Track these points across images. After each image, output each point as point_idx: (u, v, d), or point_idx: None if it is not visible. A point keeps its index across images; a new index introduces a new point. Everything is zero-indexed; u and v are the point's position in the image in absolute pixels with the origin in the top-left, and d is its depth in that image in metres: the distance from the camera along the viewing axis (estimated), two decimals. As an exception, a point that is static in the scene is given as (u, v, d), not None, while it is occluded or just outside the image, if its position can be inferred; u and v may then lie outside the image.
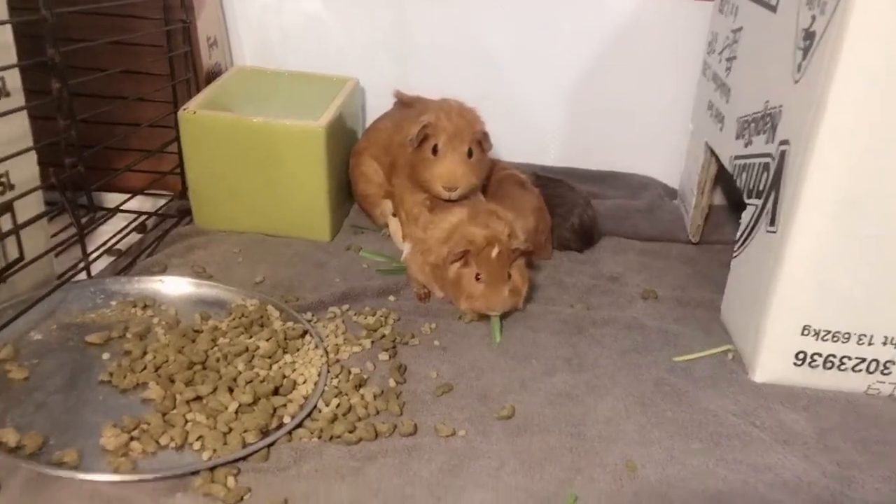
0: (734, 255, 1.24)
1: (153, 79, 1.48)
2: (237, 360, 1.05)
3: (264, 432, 0.95)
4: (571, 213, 1.50)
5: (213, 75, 1.59)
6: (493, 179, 1.47)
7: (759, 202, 1.14)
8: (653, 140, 1.73)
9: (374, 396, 1.04)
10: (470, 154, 1.32)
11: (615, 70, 1.67)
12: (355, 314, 1.24)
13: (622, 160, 1.75)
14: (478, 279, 1.19)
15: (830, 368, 1.11)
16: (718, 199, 1.66)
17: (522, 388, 1.09)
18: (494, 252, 1.18)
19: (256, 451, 0.91)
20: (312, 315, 1.22)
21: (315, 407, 1.01)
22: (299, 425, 0.98)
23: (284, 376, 1.04)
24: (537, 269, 1.41)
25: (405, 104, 1.51)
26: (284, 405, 0.99)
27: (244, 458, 0.91)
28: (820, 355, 1.10)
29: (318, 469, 0.91)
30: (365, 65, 1.66)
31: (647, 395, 1.09)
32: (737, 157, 1.26)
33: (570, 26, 1.63)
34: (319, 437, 0.96)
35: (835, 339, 1.09)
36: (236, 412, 0.97)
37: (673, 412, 1.05)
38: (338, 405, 1.01)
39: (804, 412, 1.08)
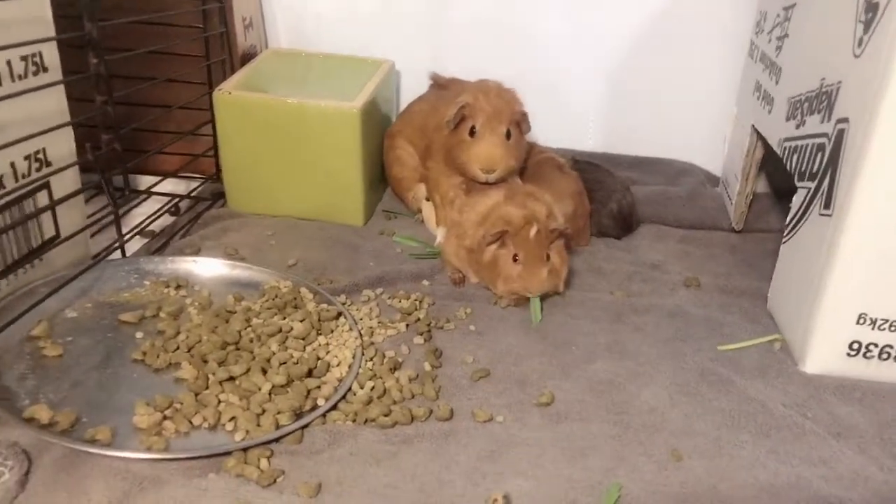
0: (783, 240, 1.18)
1: (189, 60, 1.46)
2: (270, 340, 1.02)
3: (298, 414, 0.92)
4: (610, 198, 1.45)
5: (248, 57, 1.57)
6: (530, 163, 1.42)
7: (813, 184, 1.08)
8: (695, 125, 1.67)
9: (410, 380, 1.00)
10: (508, 136, 1.28)
11: (657, 52, 1.61)
12: (389, 298, 1.21)
13: (663, 146, 1.69)
14: (515, 260, 1.15)
15: (886, 359, 1.05)
16: (762, 186, 1.60)
17: (562, 374, 1.05)
18: (533, 231, 1.14)
19: (290, 434, 0.89)
20: (346, 298, 1.19)
21: (349, 389, 0.98)
22: (334, 408, 0.94)
23: (318, 358, 1.01)
24: (575, 256, 1.36)
25: (441, 86, 1.47)
26: (318, 387, 0.96)
27: (277, 440, 0.88)
28: (876, 345, 1.04)
29: (352, 452, 0.88)
30: (400, 47, 1.62)
31: (691, 384, 1.04)
32: (787, 139, 1.20)
33: (612, 6, 1.58)
34: (354, 421, 0.93)
35: (892, 328, 1.03)
36: (269, 393, 0.94)
37: (719, 402, 1.00)
38: (372, 388, 0.98)
39: (858, 404, 1.02)
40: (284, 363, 0.98)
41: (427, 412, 0.95)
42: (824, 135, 1.05)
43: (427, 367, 1.04)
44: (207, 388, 0.94)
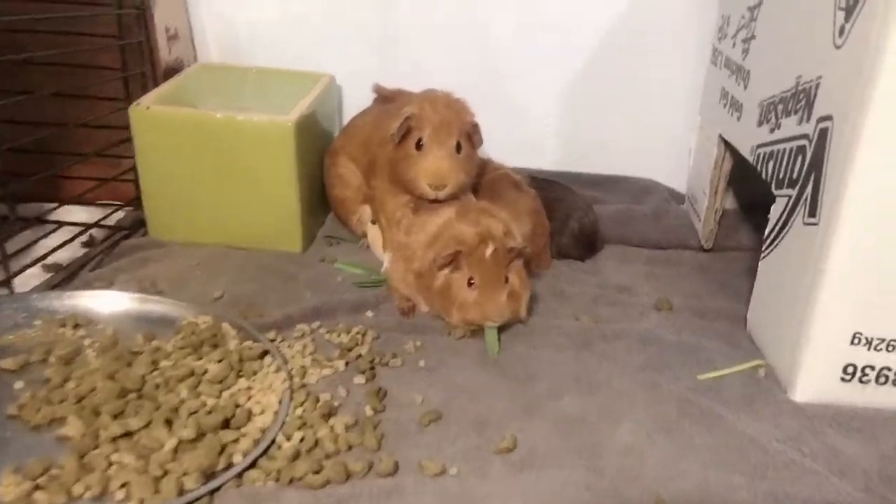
0: (762, 255, 1.07)
1: (103, 73, 1.31)
2: (180, 386, 0.86)
3: (209, 475, 0.76)
4: (570, 217, 1.33)
5: (172, 72, 1.42)
6: (484, 180, 1.29)
7: (794, 192, 0.97)
8: (657, 140, 1.57)
9: (347, 428, 0.85)
10: (458, 149, 1.15)
11: (615, 64, 1.51)
12: (327, 332, 1.05)
13: (624, 163, 1.59)
14: (471, 284, 1.01)
15: (884, 383, 0.93)
16: (730, 202, 1.50)
17: (525, 413, 0.90)
18: (489, 251, 1.00)
19: (195, 501, 0.72)
20: (277, 334, 1.04)
21: (273, 442, 0.82)
22: (253, 465, 0.78)
23: (237, 405, 0.85)
24: (535, 279, 1.22)
25: (385, 99, 1.34)
26: (236, 440, 0.80)
27: (180, 509, 0.72)
28: (872, 368, 0.93)
29: (273, 521, 0.72)
30: (342, 59, 1.49)
31: (671, 419, 0.90)
32: (760, 146, 1.09)
33: (568, 17, 1.47)
34: (277, 480, 0.77)
35: (890, 348, 0.91)
36: (175, 451, 0.77)
37: (703, 438, 0.87)
38: (301, 439, 0.82)
39: (858, 435, 0.90)
40: (195, 413, 0.82)
41: (366, 466, 0.79)
42: (804, 136, 0.95)
43: (368, 411, 0.89)
44: (97, 447, 0.77)
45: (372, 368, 0.97)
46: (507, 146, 1.46)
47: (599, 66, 1.52)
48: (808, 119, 0.94)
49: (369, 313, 1.12)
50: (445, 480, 0.79)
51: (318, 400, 0.89)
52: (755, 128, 1.12)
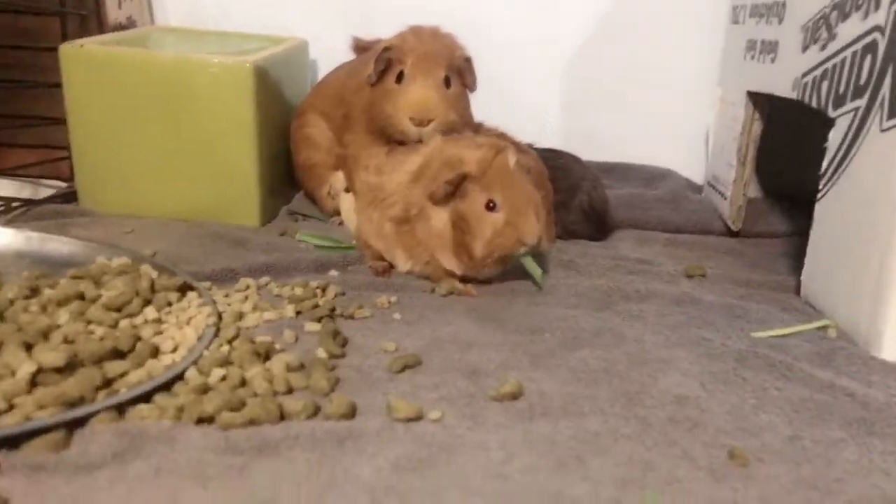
0: (819, 197, 0.86)
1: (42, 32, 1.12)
2: (61, 311, 0.62)
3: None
4: (578, 188, 1.11)
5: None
6: (476, 139, 1.09)
7: (862, 101, 0.77)
8: (670, 125, 1.39)
9: (289, 368, 0.60)
10: (447, 83, 0.95)
11: (621, 43, 1.35)
12: (279, 286, 0.82)
13: (633, 150, 1.40)
14: (491, 208, 0.79)
15: None
16: (754, 190, 1.31)
17: (532, 364, 0.66)
18: (511, 160, 0.80)
19: (38, 432, 0.47)
20: (213, 284, 0.80)
21: (182, 378, 0.57)
22: (146, 400, 0.54)
23: (138, 338, 0.61)
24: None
25: (363, 49, 1.15)
26: (125, 374, 0.56)
27: (13, 443, 0.46)
28: (982, 313, 0.70)
29: (159, 468, 0.46)
30: (319, 34, 1.31)
31: (730, 371, 0.66)
32: (807, 73, 0.91)
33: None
34: (178, 419, 0.52)
35: None
36: (31, 381, 0.53)
37: (782, 390, 0.63)
38: (224, 378, 0.58)
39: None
40: (71, 342, 0.58)
41: (311, 408, 0.54)
42: (873, 29, 0.76)
43: (322, 353, 0.64)
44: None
45: (330, 317, 0.73)
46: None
47: (603, 48, 1.35)
48: (877, 7, 0.75)
49: (334, 272, 0.89)
50: (424, 426, 0.54)
51: (253, 342, 0.65)
52: (798, 56, 0.93)
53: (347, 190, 1.09)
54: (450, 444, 0.51)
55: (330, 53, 1.25)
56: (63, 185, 1.18)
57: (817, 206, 0.86)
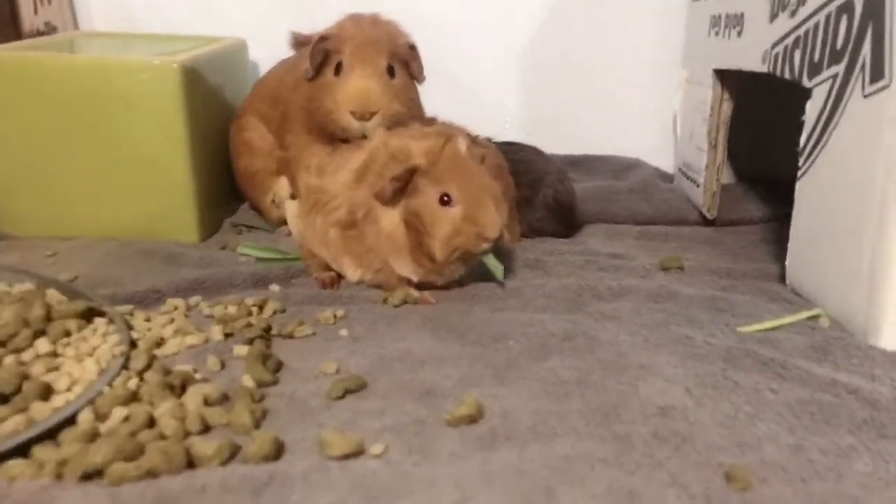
0: (799, 175, 0.79)
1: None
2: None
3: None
4: (542, 182, 1.03)
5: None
6: (429, 135, 1.01)
7: (840, 66, 0.70)
8: (635, 113, 1.31)
9: (207, 401, 0.51)
10: (391, 73, 0.87)
11: (581, 22, 1.27)
12: (210, 306, 0.73)
13: (599, 140, 1.32)
14: (445, 202, 0.71)
15: None
16: (727, 176, 1.23)
17: (495, 379, 0.58)
18: (462, 146, 0.71)
19: None
20: (135, 308, 0.70)
21: (72, 421, 0.48)
22: (23, 453, 0.44)
23: (25, 376, 0.51)
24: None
25: (303, 44, 1.06)
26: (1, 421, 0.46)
27: None
28: None
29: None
30: (258, 33, 1.22)
31: (718, 374, 0.58)
32: (777, 43, 0.84)
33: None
34: (59, 476, 0.42)
35: None
36: None
37: (778, 392, 0.55)
38: (126, 418, 0.48)
39: None
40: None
41: (226, 451, 0.45)
42: (848, -13, 0.69)
43: (248, 381, 0.55)
44: None
45: (263, 338, 0.64)
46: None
47: (562, 33, 1.27)
48: (850, -36, 0.68)
49: (274, 286, 0.79)
50: (364, 463, 0.45)
51: (167, 372, 0.55)
52: (766, 27, 0.87)
53: (293, 196, 1.00)
54: (393, 484, 0.42)
55: (272, 53, 1.15)
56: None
57: (798, 186, 0.79)
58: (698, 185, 1.11)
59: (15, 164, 0.94)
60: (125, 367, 0.55)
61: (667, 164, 1.32)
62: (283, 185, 1.01)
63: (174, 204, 0.96)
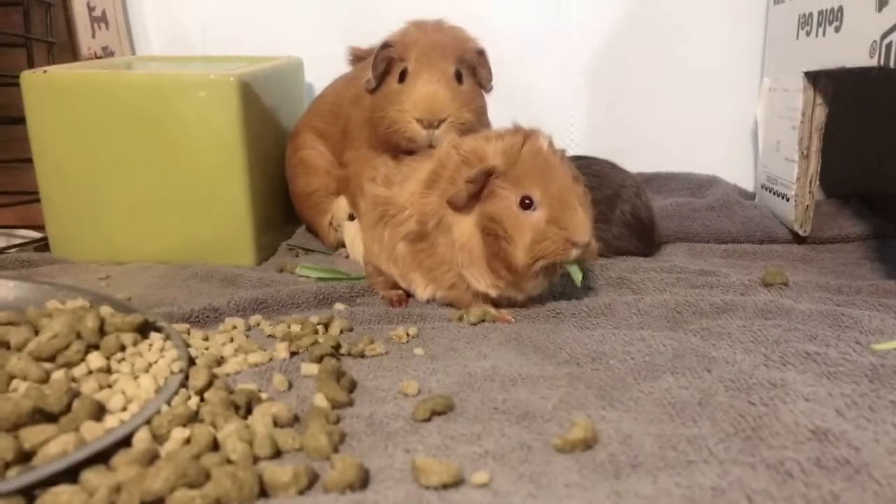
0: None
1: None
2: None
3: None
4: (619, 197, 0.96)
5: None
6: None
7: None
8: (711, 128, 1.24)
9: (276, 422, 0.44)
10: (459, 79, 0.81)
11: (651, 38, 1.21)
12: (272, 325, 0.67)
13: (671, 159, 1.25)
14: (527, 206, 0.64)
15: None
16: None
17: (602, 399, 0.50)
18: (544, 144, 0.65)
19: None
20: (191, 327, 0.65)
21: (127, 442, 0.41)
22: (72, 478, 0.38)
23: (76, 394, 0.45)
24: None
25: (361, 58, 1.02)
26: (45, 442, 0.40)
27: None
28: None
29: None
30: (314, 51, 1.19)
31: (869, 394, 0.49)
32: (889, 31, 0.76)
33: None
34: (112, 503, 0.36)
35: None
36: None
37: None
38: (187, 440, 0.42)
39: None
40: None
41: (304, 477, 0.38)
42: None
43: (321, 401, 0.48)
44: None
45: (333, 356, 0.57)
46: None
47: (631, 45, 1.21)
48: None
49: (339, 305, 0.73)
50: (466, 494, 0.37)
51: (230, 391, 0.49)
52: (873, 17, 0.79)
53: (352, 217, 0.95)
54: (507, 519, 0.35)
55: (328, 72, 1.11)
56: (36, 234, 1.05)
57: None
58: (788, 200, 1.02)
59: (68, 185, 0.91)
60: (184, 384, 0.48)
61: (745, 180, 1.23)
62: (341, 206, 0.96)
63: (230, 226, 0.92)
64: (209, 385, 0.48)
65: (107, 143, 0.89)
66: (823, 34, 0.91)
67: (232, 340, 0.61)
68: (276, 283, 0.81)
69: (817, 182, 0.99)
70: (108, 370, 0.48)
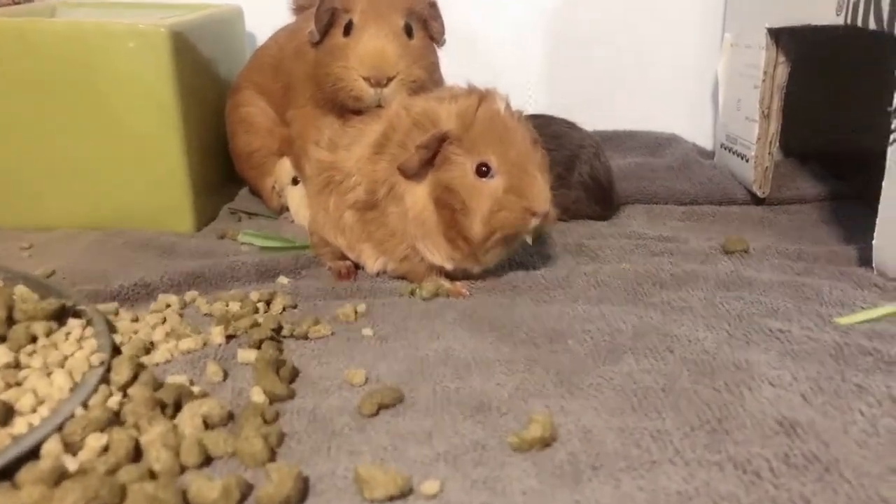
0: (892, 139, 0.68)
1: None
2: None
3: None
4: (577, 158, 0.93)
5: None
6: (450, 106, 0.90)
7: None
8: (670, 84, 1.21)
9: (207, 423, 0.40)
10: (409, 33, 0.76)
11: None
12: (208, 302, 0.62)
13: (628, 115, 1.21)
14: (484, 173, 0.60)
15: None
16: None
17: (561, 387, 0.47)
18: (501, 106, 0.61)
19: None
20: (120, 306, 0.60)
21: (35, 453, 0.37)
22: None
23: (-21, 395, 0.40)
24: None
25: (304, 8, 0.95)
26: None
27: None
28: None
29: None
30: (254, 1, 1.10)
31: (834, 376, 0.47)
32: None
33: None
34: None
35: None
36: None
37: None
38: (105, 448, 0.37)
39: None
40: None
41: (235, 490, 0.34)
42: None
43: (257, 395, 0.44)
44: None
45: (274, 339, 0.53)
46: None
47: (583, 4, 1.16)
48: None
49: (283, 279, 0.69)
50: (414, 508, 0.34)
51: (157, 385, 0.44)
52: (844, -29, 0.75)
53: (296, 181, 0.90)
54: (459, 537, 0.32)
55: (270, 20, 1.03)
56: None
57: (889, 154, 0.68)
58: (747, 161, 1.00)
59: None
60: (105, 379, 0.44)
61: (704, 138, 1.21)
62: (285, 169, 0.90)
63: (165, 189, 0.85)
64: (133, 379, 0.44)
65: (27, 98, 0.82)
66: (790, -10, 0.88)
67: (164, 322, 0.57)
68: (215, 253, 0.76)
69: (777, 143, 0.97)
70: (17, 365, 0.43)
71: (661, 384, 0.46)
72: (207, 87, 0.92)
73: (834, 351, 0.51)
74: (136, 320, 0.57)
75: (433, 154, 0.61)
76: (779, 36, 0.92)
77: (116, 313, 0.58)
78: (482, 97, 0.61)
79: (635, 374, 0.48)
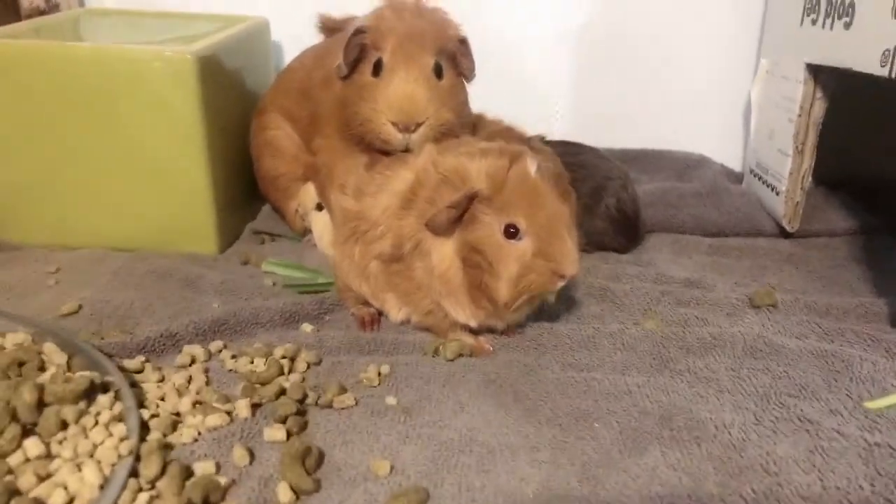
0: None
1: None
2: None
3: None
4: (604, 189, 0.91)
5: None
6: (479, 137, 0.88)
7: None
8: (701, 104, 1.17)
9: (235, 531, 0.40)
10: (439, 73, 0.74)
11: (643, 6, 1.13)
12: (233, 356, 0.62)
13: (658, 135, 1.19)
14: (511, 235, 0.59)
15: None
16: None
17: (586, 483, 0.47)
18: (532, 167, 0.60)
19: None
20: (146, 359, 0.60)
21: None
22: None
23: (14, 492, 0.41)
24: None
25: (333, 30, 0.93)
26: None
27: None
28: None
29: None
30: (282, 8, 1.08)
31: (865, 486, 0.47)
32: (907, 40, 0.70)
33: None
34: None
35: None
36: None
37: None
38: (133, 563, 0.38)
39: None
40: None
41: None
42: None
43: (283, 494, 0.44)
44: None
45: (300, 413, 0.53)
46: (505, 117, 1.04)
47: (622, 12, 1.13)
48: None
49: (307, 326, 0.68)
50: None
51: (187, 474, 0.44)
52: (889, 23, 0.72)
53: (320, 206, 0.89)
54: None
55: (296, 32, 1.01)
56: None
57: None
58: (777, 193, 0.98)
59: (14, 165, 0.84)
60: (133, 473, 0.44)
61: (734, 159, 1.18)
62: (309, 194, 0.90)
63: (189, 211, 0.85)
64: (162, 472, 0.44)
65: (53, 120, 0.82)
66: (831, 28, 0.84)
67: (189, 383, 0.57)
68: (238, 289, 0.76)
69: (810, 178, 0.95)
70: (48, 456, 0.44)
71: (689, 489, 0.45)
72: (232, 105, 0.91)
73: (864, 451, 0.50)
74: (161, 380, 0.57)
75: (462, 213, 0.60)
76: (818, 72, 0.89)
77: (142, 369, 0.59)
78: (513, 158, 0.60)
79: (660, 471, 0.47)
